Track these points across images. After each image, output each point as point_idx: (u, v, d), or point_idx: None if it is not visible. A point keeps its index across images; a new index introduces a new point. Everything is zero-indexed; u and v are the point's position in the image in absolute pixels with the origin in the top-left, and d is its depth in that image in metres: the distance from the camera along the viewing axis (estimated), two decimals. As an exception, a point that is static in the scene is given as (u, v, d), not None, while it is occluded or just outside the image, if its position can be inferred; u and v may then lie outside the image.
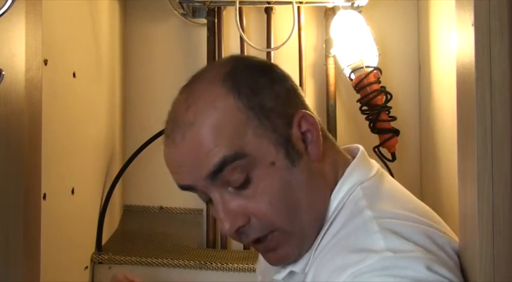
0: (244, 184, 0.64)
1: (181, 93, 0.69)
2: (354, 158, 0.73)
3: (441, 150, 1.32)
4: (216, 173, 0.63)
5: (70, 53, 1.14)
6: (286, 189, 0.65)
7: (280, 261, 0.70)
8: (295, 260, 0.69)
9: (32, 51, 0.81)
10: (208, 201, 0.68)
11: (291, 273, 0.70)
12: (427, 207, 0.73)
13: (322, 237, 0.67)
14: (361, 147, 0.75)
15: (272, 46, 1.49)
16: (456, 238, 0.68)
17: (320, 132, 0.69)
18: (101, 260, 1.31)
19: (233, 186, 0.64)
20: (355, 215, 0.65)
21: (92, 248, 1.32)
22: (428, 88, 1.42)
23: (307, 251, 0.68)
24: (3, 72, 0.69)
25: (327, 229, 0.67)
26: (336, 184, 0.70)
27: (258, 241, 0.67)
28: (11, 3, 0.66)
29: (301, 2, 1.45)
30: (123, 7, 1.55)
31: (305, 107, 0.71)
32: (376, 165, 0.74)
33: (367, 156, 0.75)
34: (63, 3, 1.09)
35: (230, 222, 0.64)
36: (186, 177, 0.65)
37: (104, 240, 1.35)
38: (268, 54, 1.49)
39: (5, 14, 0.67)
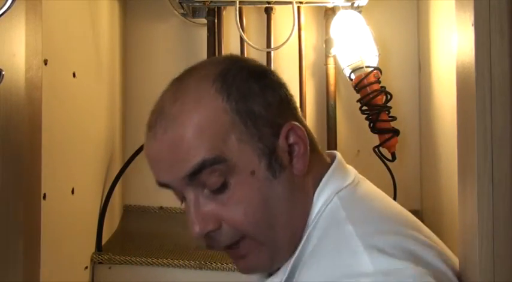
0: (221, 188, 0.62)
1: (171, 85, 0.67)
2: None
3: (441, 150, 1.32)
4: (194, 174, 0.61)
5: (70, 53, 1.14)
6: (263, 201, 0.62)
7: (250, 269, 0.68)
8: (266, 271, 0.68)
9: (32, 51, 0.81)
10: (183, 200, 0.66)
11: None
12: (406, 213, 0.70)
13: (301, 250, 0.64)
14: (338, 155, 0.72)
15: (272, 46, 1.49)
16: (439, 242, 0.66)
17: (308, 147, 0.66)
18: (101, 260, 1.31)
19: (209, 189, 0.62)
20: (334, 226, 0.63)
21: (92, 248, 1.32)
22: (428, 88, 1.42)
23: (280, 263, 0.66)
24: (4, 72, 0.69)
25: (306, 240, 0.64)
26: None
27: (228, 247, 0.65)
28: (11, 3, 0.66)
29: (301, 2, 1.45)
30: (123, 7, 1.55)
31: (297, 118, 0.68)
32: (352, 172, 0.71)
33: (344, 164, 0.72)
34: (63, 3, 1.09)
35: (200, 226, 0.62)
36: (164, 174, 0.64)
37: (104, 240, 1.35)
38: (268, 54, 1.49)
39: (5, 14, 0.67)
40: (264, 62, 1.49)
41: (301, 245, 0.64)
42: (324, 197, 0.66)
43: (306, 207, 0.66)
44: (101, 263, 1.31)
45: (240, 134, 0.62)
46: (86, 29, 1.26)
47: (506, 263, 0.57)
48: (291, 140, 0.65)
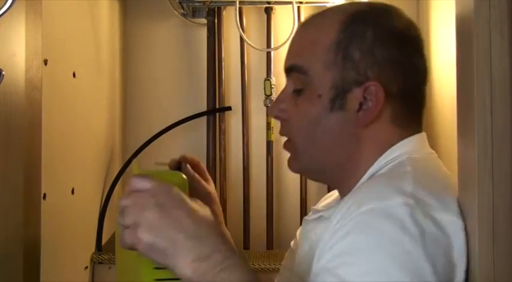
0: (299, 92, 0.74)
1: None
2: None
3: (441, 150, 1.32)
4: (288, 71, 0.76)
5: (70, 53, 1.14)
6: (313, 120, 0.73)
7: (290, 167, 0.79)
8: (304, 175, 0.85)
9: (32, 51, 0.81)
10: None
11: (320, 217, 0.76)
12: None
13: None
14: (423, 133, 0.78)
15: (272, 46, 1.48)
16: None
17: (378, 109, 0.70)
18: (101, 260, 1.31)
19: (294, 88, 0.75)
20: (394, 169, 0.69)
21: (92, 248, 1.32)
22: (429, 88, 1.41)
23: (313, 175, 0.82)
24: (3, 72, 0.69)
25: (367, 180, 0.70)
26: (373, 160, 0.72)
27: (287, 141, 0.78)
28: (11, 3, 0.66)
29: (301, 2, 1.45)
30: (123, 7, 1.55)
31: (401, 86, 0.72)
32: (433, 151, 0.76)
33: (426, 140, 0.77)
34: (63, 3, 1.09)
35: (274, 109, 0.78)
36: (284, 62, 0.78)
37: (104, 240, 1.35)
38: (268, 54, 1.49)
39: (5, 14, 0.67)
40: (264, 62, 1.49)
41: (360, 182, 0.71)
42: (395, 154, 0.71)
43: (356, 152, 0.72)
44: (101, 263, 1.31)
45: (329, 61, 0.72)
46: (86, 29, 1.26)
47: (506, 262, 0.57)
48: (368, 95, 0.71)
